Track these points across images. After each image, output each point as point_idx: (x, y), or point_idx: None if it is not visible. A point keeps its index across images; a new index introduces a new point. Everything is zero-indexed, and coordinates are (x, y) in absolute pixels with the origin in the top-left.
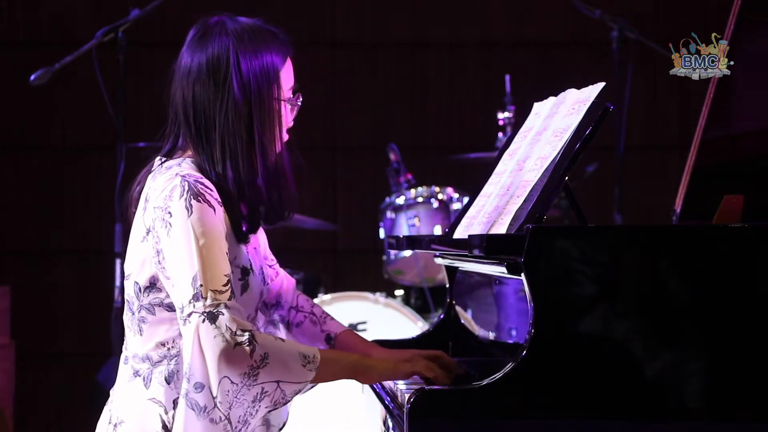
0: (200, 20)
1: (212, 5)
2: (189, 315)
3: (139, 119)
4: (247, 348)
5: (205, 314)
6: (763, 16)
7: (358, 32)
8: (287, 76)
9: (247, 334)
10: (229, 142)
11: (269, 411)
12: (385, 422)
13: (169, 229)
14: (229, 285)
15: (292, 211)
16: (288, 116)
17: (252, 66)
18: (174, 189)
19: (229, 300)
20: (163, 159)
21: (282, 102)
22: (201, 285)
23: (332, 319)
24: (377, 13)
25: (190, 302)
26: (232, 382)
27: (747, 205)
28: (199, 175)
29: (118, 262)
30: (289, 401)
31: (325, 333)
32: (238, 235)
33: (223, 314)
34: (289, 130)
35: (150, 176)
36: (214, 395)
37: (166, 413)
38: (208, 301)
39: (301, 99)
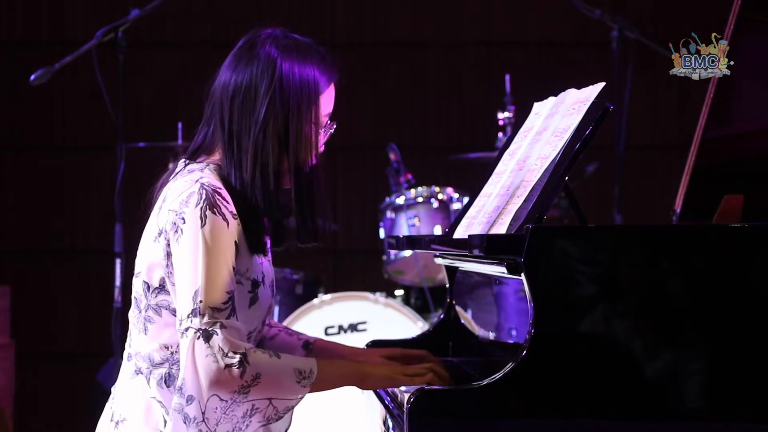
0: (252, 30)
1: (212, 6)
2: (186, 329)
3: (139, 119)
4: (237, 370)
5: (201, 332)
6: (763, 16)
7: (358, 32)
8: (327, 101)
9: (238, 356)
10: (261, 155)
11: (262, 426)
12: (385, 422)
13: (180, 235)
14: (229, 303)
15: (326, 230)
16: (320, 140)
17: (294, 83)
18: (191, 195)
19: (227, 319)
20: (187, 162)
21: (315, 126)
22: (201, 301)
23: (303, 333)
24: (377, 13)
25: (188, 317)
26: (221, 399)
27: (747, 205)
28: (219, 185)
29: (118, 262)
30: (282, 416)
31: (302, 340)
32: (256, 245)
33: (217, 334)
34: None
35: (172, 178)
36: (202, 410)
37: (167, 414)
38: (205, 319)
39: (334, 127)
